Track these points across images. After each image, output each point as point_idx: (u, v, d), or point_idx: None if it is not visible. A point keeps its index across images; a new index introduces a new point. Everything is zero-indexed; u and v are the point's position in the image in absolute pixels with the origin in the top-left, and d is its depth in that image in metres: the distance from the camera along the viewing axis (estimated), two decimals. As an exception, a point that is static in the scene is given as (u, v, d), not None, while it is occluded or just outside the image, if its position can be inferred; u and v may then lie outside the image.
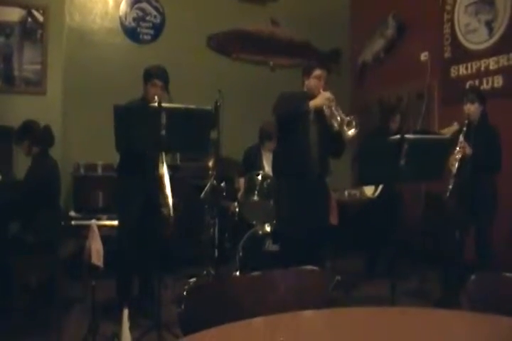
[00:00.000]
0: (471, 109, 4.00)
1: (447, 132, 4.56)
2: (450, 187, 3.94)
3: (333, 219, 4.37)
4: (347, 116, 3.51)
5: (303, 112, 3.61)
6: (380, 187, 4.75)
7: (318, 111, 3.65)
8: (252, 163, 4.90)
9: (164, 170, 3.57)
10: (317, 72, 3.75)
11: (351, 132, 3.47)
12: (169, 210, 3.48)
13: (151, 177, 3.58)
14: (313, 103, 3.59)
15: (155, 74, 3.70)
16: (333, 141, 3.70)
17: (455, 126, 4.32)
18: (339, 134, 3.57)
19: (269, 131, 4.80)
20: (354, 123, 3.47)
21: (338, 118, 3.50)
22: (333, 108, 3.54)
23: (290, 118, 3.68)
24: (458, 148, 3.88)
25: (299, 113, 3.62)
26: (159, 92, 3.61)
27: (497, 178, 3.99)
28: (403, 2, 6.11)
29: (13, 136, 3.89)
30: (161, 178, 3.49)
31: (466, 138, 3.92)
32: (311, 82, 3.76)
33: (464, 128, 3.96)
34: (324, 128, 3.70)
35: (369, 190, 4.86)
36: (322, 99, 3.57)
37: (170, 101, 3.35)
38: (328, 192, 4.06)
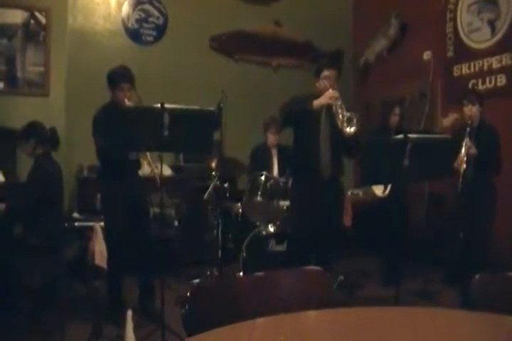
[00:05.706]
0: (473, 110, 4.03)
1: (447, 122, 4.56)
2: (459, 187, 3.94)
3: (347, 221, 4.36)
4: (348, 112, 3.52)
5: (306, 110, 3.64)
6: (389, 186, 4.70)
7: (329, 110, 3.67)
8: (259, 161, 4.90)
9: (154, 170, 3.57)
10: (325, 72, 3.78)
11: (350, 129, 3.48)
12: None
13: (134, 180, 3.63)
14: (317, 102, 3.62)
15: (120, 79, 3.73)
16: (346, 140, 3.70)
17: (454, 116, 4.34)
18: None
19: (269, 123, 4.84)
20: (354, 120, 3.48)
21: (340, 116, 3.53)
22: (337, 106, 3.56)
23: (294, 117, 3.74)
24: (464, 149, 3.89)
25: (302, 111, 3.66)
26: (128, 94, 3.67)
27: (497, 179, 3.99)
28: (406, 1, 6.10)
29: (19, 134, 3.87)
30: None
31: (470, 138, 3.93)
32: (321, 83, 3.79)
33: (468, 129, 3.97)
34: (336, 128, 3.70)
35: (378, 190, 4.83)
36: (325, 97, 3.60)
37: (139, 98, 3.37)
38: (343, 193, 4.06)
